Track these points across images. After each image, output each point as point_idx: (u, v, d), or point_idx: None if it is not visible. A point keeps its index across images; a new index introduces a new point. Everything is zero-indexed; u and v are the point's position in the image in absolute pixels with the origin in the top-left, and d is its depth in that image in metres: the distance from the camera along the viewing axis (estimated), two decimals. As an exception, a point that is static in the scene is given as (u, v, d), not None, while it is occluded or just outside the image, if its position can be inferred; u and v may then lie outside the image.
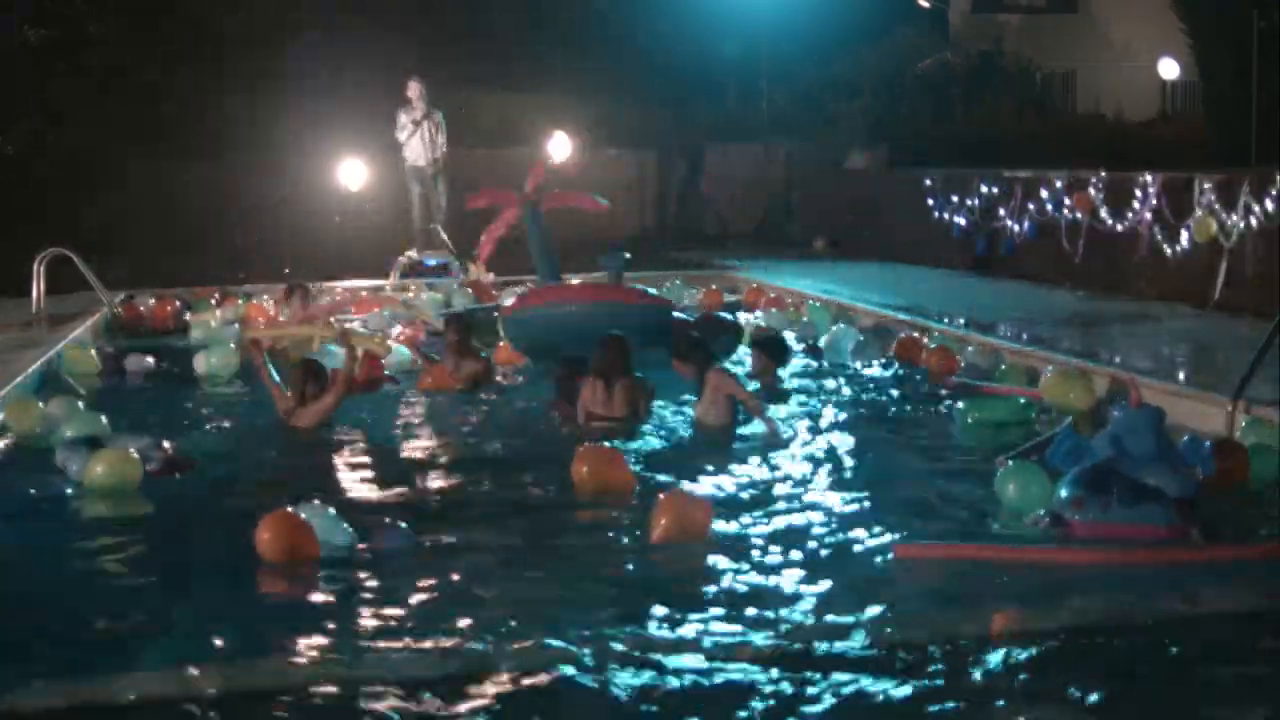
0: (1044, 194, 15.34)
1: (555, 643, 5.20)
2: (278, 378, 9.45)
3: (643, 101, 22.65)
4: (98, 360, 11.73)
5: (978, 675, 4.96)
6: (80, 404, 9.34)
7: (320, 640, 5.36)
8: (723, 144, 22.66)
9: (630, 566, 6.35)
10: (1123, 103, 24.84)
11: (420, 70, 17.96)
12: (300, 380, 9.27)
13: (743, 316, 13.47)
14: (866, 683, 4.86)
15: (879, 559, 6.23)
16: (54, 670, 5.03)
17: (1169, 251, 13.36)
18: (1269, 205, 12.06)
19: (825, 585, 5.85)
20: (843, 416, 9.30)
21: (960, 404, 9.08)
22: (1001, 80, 25.01)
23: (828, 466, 7.92)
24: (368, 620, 5.58)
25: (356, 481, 7.95)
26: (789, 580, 5.93)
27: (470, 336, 10.85)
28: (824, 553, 6.32)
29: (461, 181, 17.78)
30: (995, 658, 5.11)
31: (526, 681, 4.91)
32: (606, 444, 7.58)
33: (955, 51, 25.91)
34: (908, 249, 18.07)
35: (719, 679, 4.91)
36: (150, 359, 11.69)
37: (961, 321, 12.46)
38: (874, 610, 5.52)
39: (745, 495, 7.32)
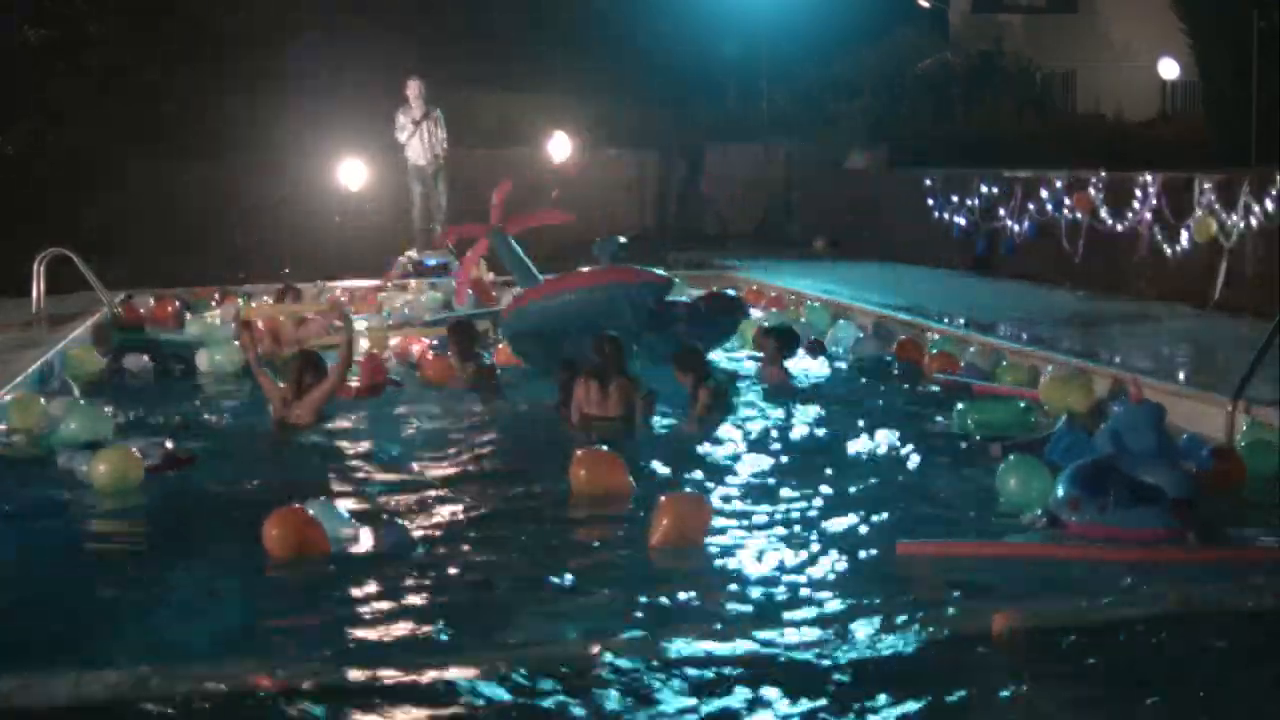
0: (1044, 194, 15.34)
1: (556, 643, 5.20)
2: (272, 375, 9.41)
3: (643, 101, 22.64)
4: (101, 360, 11.74)
5: (978, 674, 4.97)
6: (82, 400, 9.35)
7: (320, 639, 5.36)
8: (723, 144, 22.65)
9: (631, 567, 6.34)
10: (1123, 103, 24.84)
11: (420, 70, 17.95)
12: (298, 370, 9.09)
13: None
14: (868, 682, 4.86)
15: (880, 557, 6.22)
16: (54, 669, 5.02)
17: (1169, 251, 13.36)
18: (1269, 205, 12.07)
19: (826, 585, 5.85)
20: (842, 415, 9.31)
21: (960, 404, 9.08)
22: (1001, 80, 25.02)
23: (828, 465, 7.92)
24: (367, 619, 5.59)
25: (355, 480, 7.95)
26: (790, 580, 5.93)
27: (473, 340, 10.86)
28: (825, 552, 6.32)
29: (461, 181, 17.79)
30: (995, 657, 5.11)
31: (527, 682, 4.91)
32: (605, 448, 7.58)
33: (955, 51, 25.92)
34: (908, 249, 18.07)
35: (720, 680, 4.91)
36: (147, 358, 11.71)
37: (961, 321, 12.46)
38: (875, 610, 5.52)
39: (745, 496, 7.33)
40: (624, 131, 22.26)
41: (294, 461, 8.55)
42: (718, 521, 6.66)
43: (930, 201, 17.76)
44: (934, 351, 11.05)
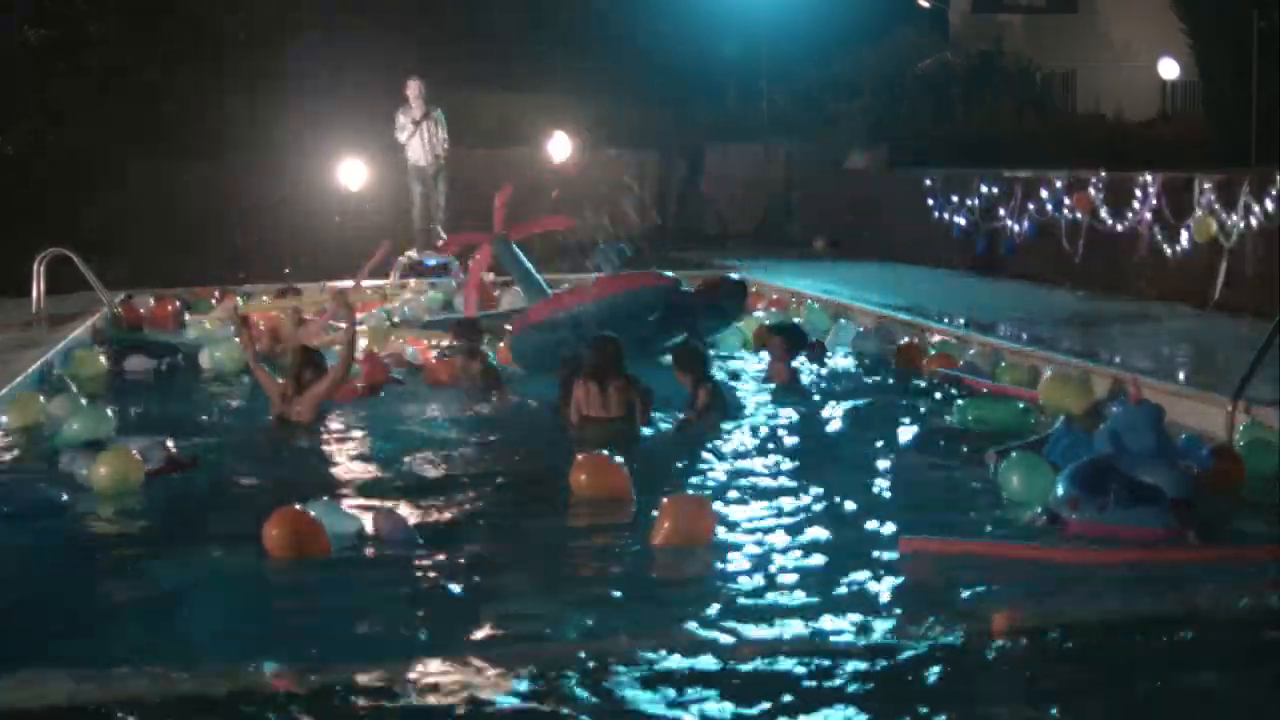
0: (1044, 194, 15.34)
1: (557, 644, 5.20)
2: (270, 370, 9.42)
3: (643, 101, 22.64)
4: (104, 362, 11.73)
5: (979, 674, 4.97)
6: (83, 400, 9.35)
7: (320, 639, 5.35)
8: (723, 144, 22.66)
9: (632, 568, 6.34)
10: (1123, 103, 24.84)
11: (420, 70, 17.95)
12: (298, 366, 9.09)
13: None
14: (869, 681, 4.86)
15: (883, 556, 6.22)
16: (54, 669, 5.02)
17: (1169, 251, 13.36)
18: (1269, 205, 12.07)
19: (828, 585, 5.85)
20: (843, 414, 9.31)
21: (960, 402, 9.09)
22: (1001, 80, 25.01)
23: (829, 464, 7.92)
24: (367, 619, 5.59)
25: (356, 479, 7.94)
26: (792, 580, 5.93)
27: (478, 341, 10.85)
28: (826, 552, 6.32)
29: (461, 181, 17.80)
30: (996, 656, 5.11)
31: (528, 683, 4.91)
32: (605, 452, 7.56)
33: (955, 51, 25.90)
34: (908, 249, 18.07)
35: (722, 680, 4.91)
36: (147, 358, 11.71)
37: (961, 321, 12.47)
38: (876, 609, 5.53)
39: (746, 496, 7.32)
40: (624, 131, 22.26)
41: (294, 461, 8.55)
42: (719, 522, 6.65)
43: (930, 201, 17.76)
44: (932, 353, 11.04)
